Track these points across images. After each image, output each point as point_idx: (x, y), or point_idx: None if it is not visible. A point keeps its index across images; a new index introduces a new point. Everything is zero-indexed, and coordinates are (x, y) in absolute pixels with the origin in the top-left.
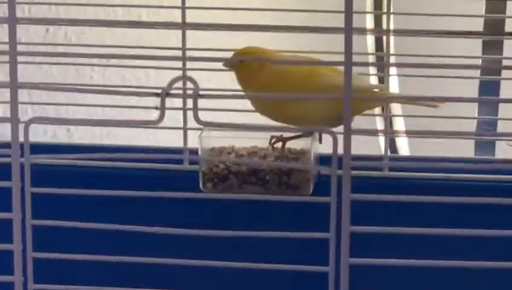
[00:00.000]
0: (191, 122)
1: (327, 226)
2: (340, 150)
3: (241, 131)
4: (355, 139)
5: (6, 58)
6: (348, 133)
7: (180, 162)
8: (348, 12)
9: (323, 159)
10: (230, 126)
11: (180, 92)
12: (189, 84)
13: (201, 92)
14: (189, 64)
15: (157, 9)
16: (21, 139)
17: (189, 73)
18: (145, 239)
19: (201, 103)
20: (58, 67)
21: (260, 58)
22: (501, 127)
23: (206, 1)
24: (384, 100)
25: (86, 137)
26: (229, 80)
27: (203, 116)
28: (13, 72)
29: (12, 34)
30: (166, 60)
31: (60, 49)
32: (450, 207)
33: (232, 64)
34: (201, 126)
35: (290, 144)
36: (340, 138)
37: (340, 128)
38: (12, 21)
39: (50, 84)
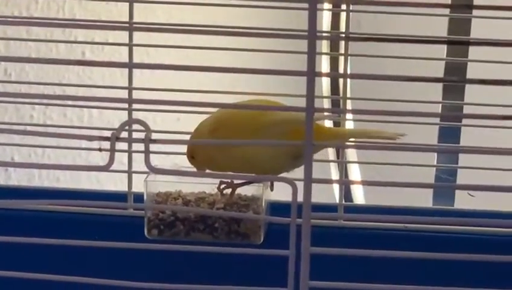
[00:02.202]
0: (136, 166)
1: (282, 278)
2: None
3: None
4: None
5: None
6: (309, 182)
7: (124, 205)
8: (311, 56)
9: (274, 207)
10: (183, 174)
11: (132, 135)
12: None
13: (153, 137)
14: (135, 105)
15: (102, 46)
16: None
17: (134, 114)
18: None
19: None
20: None
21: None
22: (461, 175)
23: (152, 39)
24: (343, 137)
25: (23, 179)
26: (174, 121)
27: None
28: None
29: None
30: (112, 102)
31: None
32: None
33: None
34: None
35: (239, 190)
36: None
37: (296, 175)
38: None
39: None
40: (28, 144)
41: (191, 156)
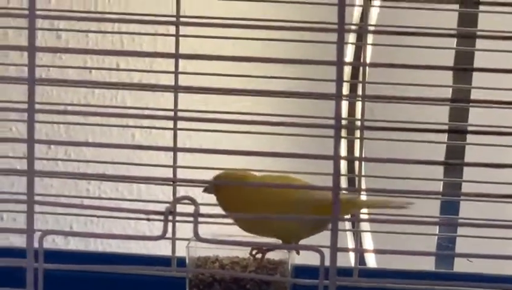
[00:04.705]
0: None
1: None
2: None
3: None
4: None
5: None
6: (334, 252)
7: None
8: (337, 154)
9: (299, 270)
10: (223, 242)
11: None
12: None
13: (201, 212)
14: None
15: (150, 130)
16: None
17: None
18: None
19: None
20: (57, 180)
21: (232, 181)
22: (460, 242)
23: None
24: (359, 207)
25: (81, 244)
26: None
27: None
28: (30, 187)
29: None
30: (159, 183)
31: (60, 164)
32: None
33: (210, 191)
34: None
35: (268, 255)
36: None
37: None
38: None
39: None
40: (84, 214)
41: (217, 190)
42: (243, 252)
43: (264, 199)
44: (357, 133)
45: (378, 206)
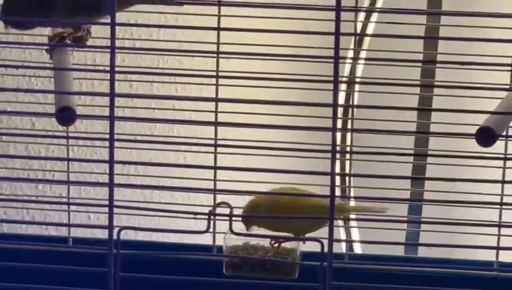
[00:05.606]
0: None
1: None
2: None
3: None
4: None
5: None
6: (331, 241)
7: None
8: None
9: (305, 255)
10: (250, 235)
11: (222, 211)
12: None
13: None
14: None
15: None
16: None
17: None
18: None
19: None
20: (130, 190)
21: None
22: (422, 236)
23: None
24: (349, 211)
25: (146, 236)
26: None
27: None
28: (111, 195)
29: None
30: (203, 192)
31: (132, 178)
32: None
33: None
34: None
35: (283, 244)
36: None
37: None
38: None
39: None
40: (149, 215)
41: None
42: (264, 242)
43: (284, 206)
44: (348, 156)
45: (362, 210)
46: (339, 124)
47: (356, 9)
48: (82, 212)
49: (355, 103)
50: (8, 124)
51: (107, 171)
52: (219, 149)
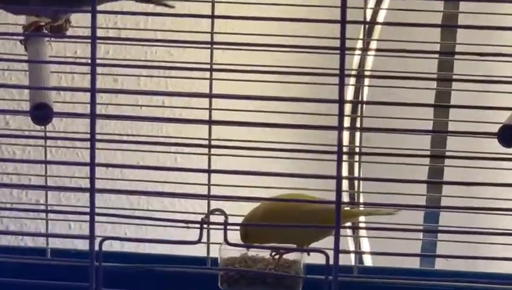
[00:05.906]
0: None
1: None
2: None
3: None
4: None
5: None
6: (337, 254)
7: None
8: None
9: (309, 268)
10: (247, 246)
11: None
12: None
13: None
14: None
15: (189, 155)
16: None
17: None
18: None
19: None
20: (114, 195)
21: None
22: (440, 247)
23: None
24: (357, 216)
25: (132, 247)
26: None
27: None
28: (92, 202)
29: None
30: (196, 198)
31: (117, 182)
32: None
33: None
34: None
35: (285, 256)
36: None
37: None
38: None
39: None
40: (136, 223)
41: (245, 236)
42: (264, 254)
43: (284, 213)
44: (356, 157)
45: (370, 214)
46: (347, 122)
47: None
48: (61, 220)
49: (365, 99)
50: None
51: (89, 175)
52: (213, 150)
